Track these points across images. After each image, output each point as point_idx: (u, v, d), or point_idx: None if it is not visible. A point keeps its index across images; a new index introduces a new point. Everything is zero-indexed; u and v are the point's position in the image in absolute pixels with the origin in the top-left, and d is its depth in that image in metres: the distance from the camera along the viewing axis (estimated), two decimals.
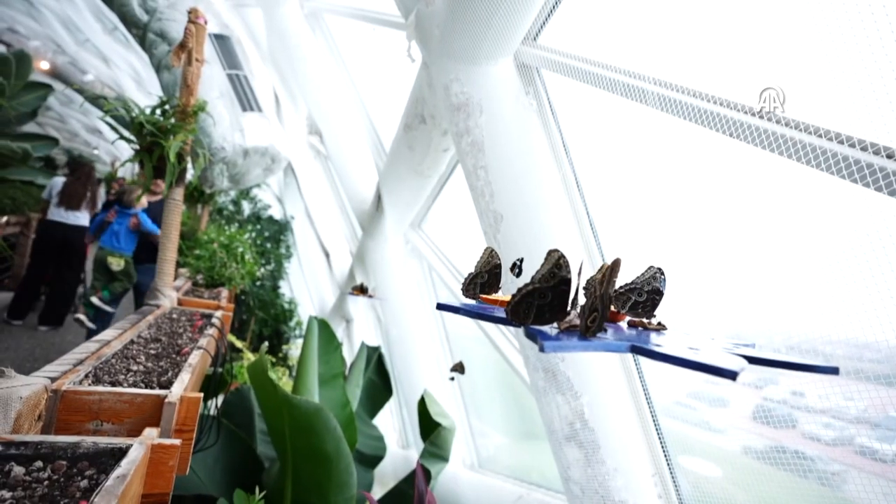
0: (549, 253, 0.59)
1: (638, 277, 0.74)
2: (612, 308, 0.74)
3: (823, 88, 1.22)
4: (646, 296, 0.73)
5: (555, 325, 0.60)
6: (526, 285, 0.58)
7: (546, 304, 0.58)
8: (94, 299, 2.96)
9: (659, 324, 0.71)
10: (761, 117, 1.28)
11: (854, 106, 1.13)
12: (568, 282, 0.58)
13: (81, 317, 3.06)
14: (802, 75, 1.25)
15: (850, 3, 1.09)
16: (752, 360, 0.57)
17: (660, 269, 0.73)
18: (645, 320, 0.72)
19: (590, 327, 0.56)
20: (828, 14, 1.14)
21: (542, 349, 0.50)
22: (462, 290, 0.86)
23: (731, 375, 0.44)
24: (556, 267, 0.57)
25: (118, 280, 3.05)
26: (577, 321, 0.58)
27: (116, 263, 2.94)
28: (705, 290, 1.77)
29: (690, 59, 1.58)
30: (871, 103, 1.10)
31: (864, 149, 1.11)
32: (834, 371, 0.57)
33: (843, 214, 1.30)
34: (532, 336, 0.53)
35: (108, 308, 3.04)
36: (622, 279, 0.76)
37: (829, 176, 1.17)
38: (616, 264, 0.56)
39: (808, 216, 1.44)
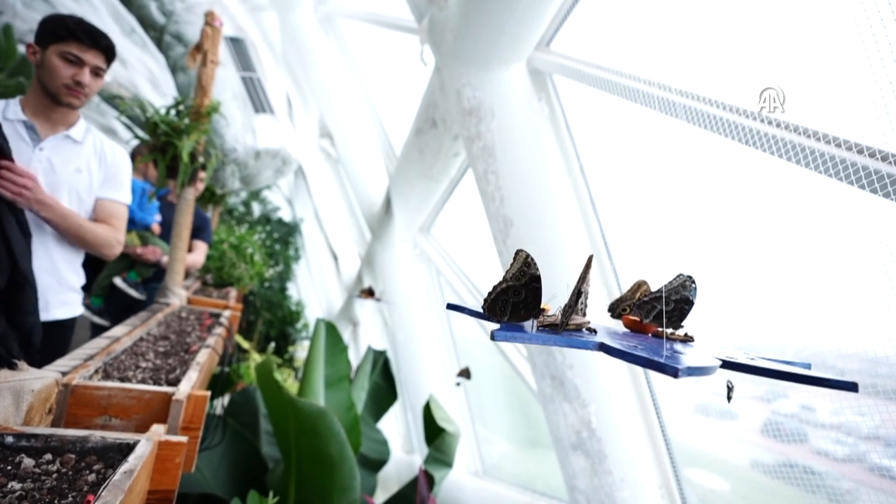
0: (517, 252, 0.62)
1: (664, 285, 0.70)
2: (636, 318, 0.72)
3: (849, 99, 1.21)
4: (673, 305, 0.68)
5: (534, 321, 0.62)
6: (500, 283, 0.61)
7: (521, 301, 0.61)
8: (118, 280, 2.56)
9: (685, 335, 0.67)
10: (769, 123, 1.27)
11: (874, 116, 1.11)
12: (538, 279, 0.61)
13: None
14: (828, 85, 1.24)
15: (860, 13, 1.08)
16: (767, 373, 0.56)
17: (690, 276, 0.68)
18: (669, 331, 0.68)
19: (564, 322, 0.58)
20: (846, 25, 1.13)
21: (492, 338, 0.51)
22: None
23: (673, 372, 0.43)
24: (525, 265, 0.61)
25: (142, 264, 2.64)
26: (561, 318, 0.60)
27: (129, 240, 2.53)
28: (716, 301, 1.75)
29: (701, 65, 1.57)
30: (891, 113, 1.09)
31: (884, 158, 1.09)
32: (852, 387, 0.52)
33: (857, 226, 1.28)
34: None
35: (133, 292, 2.61)
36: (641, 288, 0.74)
37: (844, 187, 1.15)
38: (589, 260, 0.59)
39: (822, 227, 1.42)
